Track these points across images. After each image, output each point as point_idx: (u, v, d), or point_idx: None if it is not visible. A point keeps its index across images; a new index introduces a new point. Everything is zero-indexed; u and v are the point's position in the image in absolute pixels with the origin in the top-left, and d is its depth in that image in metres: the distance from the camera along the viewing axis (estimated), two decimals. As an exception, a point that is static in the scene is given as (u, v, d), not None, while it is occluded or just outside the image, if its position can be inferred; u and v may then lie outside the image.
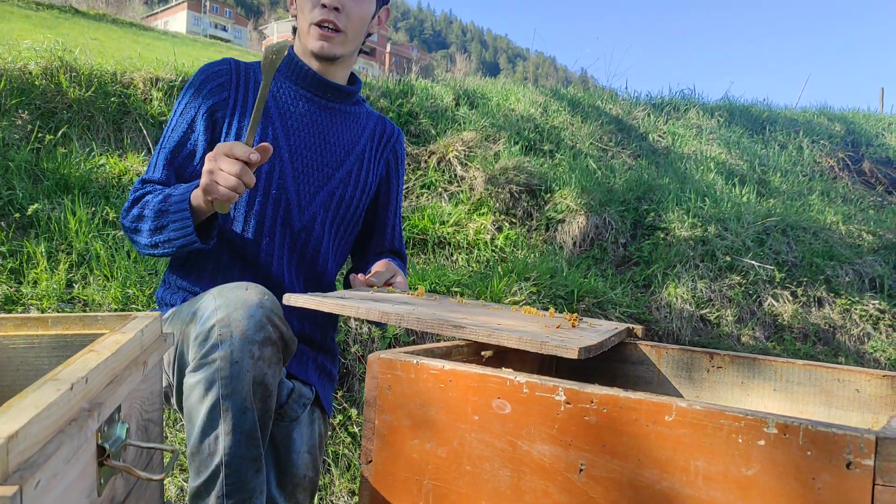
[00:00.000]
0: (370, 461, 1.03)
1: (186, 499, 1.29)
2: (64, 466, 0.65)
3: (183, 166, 1.73)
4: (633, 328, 1.51)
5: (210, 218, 1.61)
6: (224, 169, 1.45)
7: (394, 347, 3.57)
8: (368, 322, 1.79)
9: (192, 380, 1.29)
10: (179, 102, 1.78)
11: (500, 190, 5.03)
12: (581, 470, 0.86)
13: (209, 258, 1.74)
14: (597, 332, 1.34)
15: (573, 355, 1.09)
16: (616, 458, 0.84)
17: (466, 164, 5.22)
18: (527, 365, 1.35)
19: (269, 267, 1.74)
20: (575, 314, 1.46)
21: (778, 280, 4.77)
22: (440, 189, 5.06)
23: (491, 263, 4.45)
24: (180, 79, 4.85)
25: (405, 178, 5.04)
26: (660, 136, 6.94)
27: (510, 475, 0.91)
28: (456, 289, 3.88)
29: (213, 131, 1.75)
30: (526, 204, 5.12)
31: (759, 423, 0.76)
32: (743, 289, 4.71)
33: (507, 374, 0.93)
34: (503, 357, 1.27)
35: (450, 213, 4.72)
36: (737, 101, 8.40)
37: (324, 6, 1.75)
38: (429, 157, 5.28)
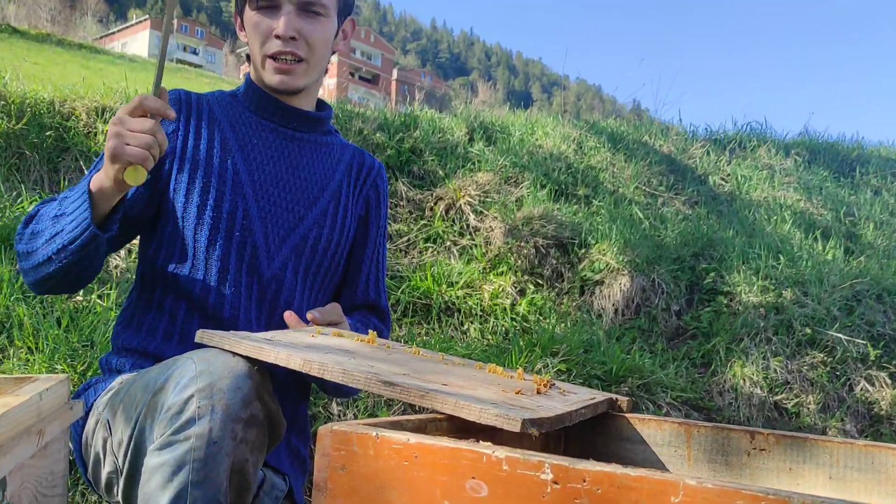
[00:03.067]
0: (319, 560, 1.03)
1: None
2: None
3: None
4: (618, 399, 1.52)
5: (114, 208, 1.68)
6: (134, 128, 1.53)
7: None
8: (314, 381, 1.81)
9: (156, 461, 1.29)
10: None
11: (522, 244, 5.07)
12: (572, 567, 0.87)
13: (163, 313, 1.80)
14: (565, 401, 1.36)
15: (514, 427, 1.10)
16: (614, 551, 0.85)
17: (482, 211, 5.28)
18: (524, 444, 1.36)
19: (234, 323, 1.79)
20: (547, 377, 1.49)
21: (872, 358, 4.74)
22: (448, 243, 5.11)
23: (511, 335, 4.46)
24: (132, 108, 4.97)
25: (404, 229, 5.10)
26: (722, 178, 6.99)
27: (487, 575, 0.92)
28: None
29: (156, 169, 1.82)
30: (555, 261, 5.15)
31: (784, 505, 0.77)
32: (828, 369, 4.68)
33: (483, 447, 0.95)
34: (492, 435, 1.28)
35: (460, 273, 4.76)
36: (819, 137, 8.45)
37: (277, 37, 1.85)
38: (435, 204, 5.35)
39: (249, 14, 1.90)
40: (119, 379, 1.70)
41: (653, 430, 1.41)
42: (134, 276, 2.00)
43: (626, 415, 1.45)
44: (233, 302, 1.80)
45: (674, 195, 6.39)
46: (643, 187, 6.32)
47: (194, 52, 79.08)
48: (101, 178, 1.60)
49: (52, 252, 1.64)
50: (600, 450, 1.45)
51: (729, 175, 7.04)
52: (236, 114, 1.95)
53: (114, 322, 3.45)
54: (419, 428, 1.16)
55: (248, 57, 2.01)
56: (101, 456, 1.53)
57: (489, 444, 0.98)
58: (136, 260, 2.02)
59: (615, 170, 6.46)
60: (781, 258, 5.34)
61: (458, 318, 4.58)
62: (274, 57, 1.87)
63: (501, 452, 0.92)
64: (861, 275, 5.27)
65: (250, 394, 1.31)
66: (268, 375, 1.39)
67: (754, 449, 1.29)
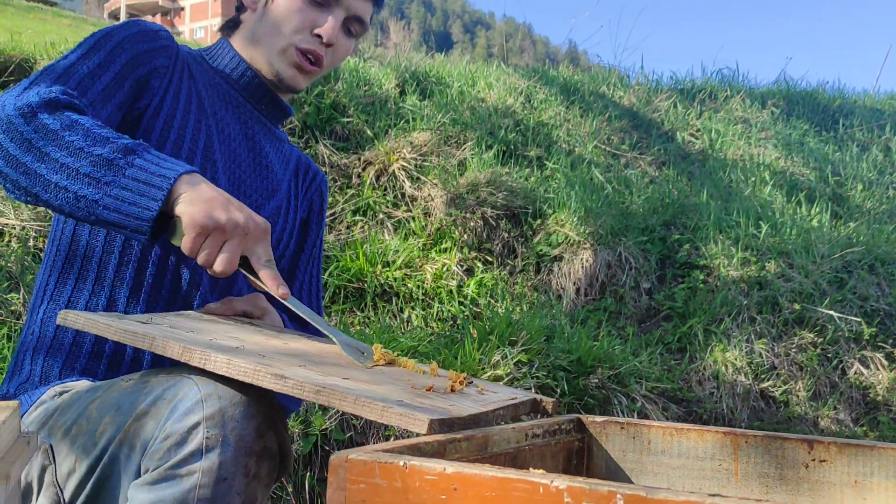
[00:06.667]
0: None
1: None
2: None
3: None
4: (543, 400, 1.54)
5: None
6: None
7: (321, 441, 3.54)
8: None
9: (146, 497, 1.27)
10: (105, 41, 1.73)
11: (468, 215, 5.07)
12: None
13: (102, 287, 1.71)
14: (481, 401, 1.39)
15: (421, 428, 1.14)
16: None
17: (419, 178, 5.25)
18: (547, 465, 1.36)
19: (190, 304, 1.77)
20: (463, 374, 1.52)
21: (866, 337, 4.86)
22: (381, 215, 5.08)
23: (459, 322, 4.46)
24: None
25: (328, 200, 5.04)
26: (692, 134, 7.09)
27: None
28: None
29: (135, 102, 1.75)
30: (506, 234, 5.16)
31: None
32: (818, 351, 4.79)
33: (538, 477, 0.94)
34: (514, 457, 1.29)
35: (397, 251, 4.74)
36: (797, 85, 8.63)
37: (318, 36, 1.88)
38: (364, 170, 5.31)
39: None
40: (52, 391, 1.63)
41: (692, 441, 1.43)
42: (45, 249, 1.85)
43: (659, 424, 1.47)
44: (191, 281, 1.76)
45: (638, 154, 6.45)
46: (603, 146, 6.37)
47: (48, -13, 76.65)
48: (185, 195, 1.48)
49: (79, 193, 1.46)
50: (630, 466, 1.46)
51: (699, 130, 7.15)
52: (206, 76, 1.93)
53: (15, 340, 3.29)
54: (438, 452, 1.15)
55: (235, 23, 1.99)
56: (35, 487, 1.48)
57: (542, 471, 0.98)
58: (51, 229, 1.86)
59: (570, 126, 6.50)
60: (763, 225, 5.43)
61: (396, 304, 4.56)
62: (304, 52, 1.88)
63: (562, 482, 0.92)
64: (851, 243, 5.39)
65: (265, 422, 1.31)
66: (278, 402, 1.38)
67: (813, 460, 1.31)
